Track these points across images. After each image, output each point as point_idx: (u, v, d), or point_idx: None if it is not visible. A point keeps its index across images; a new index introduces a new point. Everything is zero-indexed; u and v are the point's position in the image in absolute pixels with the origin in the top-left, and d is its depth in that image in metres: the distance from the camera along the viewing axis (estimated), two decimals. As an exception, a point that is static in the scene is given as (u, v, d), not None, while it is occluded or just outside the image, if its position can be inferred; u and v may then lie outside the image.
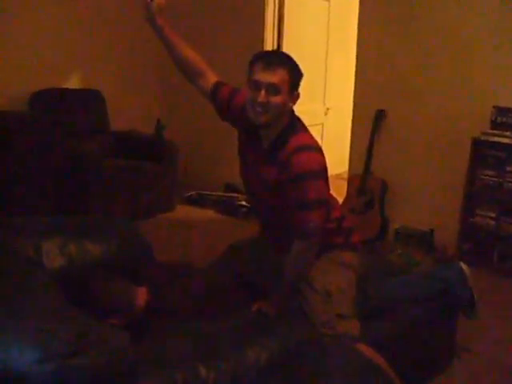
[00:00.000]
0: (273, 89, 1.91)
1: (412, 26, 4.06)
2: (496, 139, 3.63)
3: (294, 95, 1.99)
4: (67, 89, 4.80)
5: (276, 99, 1.92)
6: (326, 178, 2.01)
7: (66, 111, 4.55)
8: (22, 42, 4.47)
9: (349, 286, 2.10)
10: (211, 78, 2.19)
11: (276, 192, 2.01)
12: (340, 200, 4.08)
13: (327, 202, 2.02)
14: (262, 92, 1.91)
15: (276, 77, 1.91)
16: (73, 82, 4.92)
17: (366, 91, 4.39)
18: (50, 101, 4.56)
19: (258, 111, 1.93)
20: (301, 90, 2.04)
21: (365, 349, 1.86)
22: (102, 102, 4.88)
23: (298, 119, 2.09)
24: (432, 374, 2.40)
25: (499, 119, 3.63)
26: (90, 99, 4.84)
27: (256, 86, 1.92)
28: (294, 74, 1.97)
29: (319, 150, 2.02)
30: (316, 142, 2.05)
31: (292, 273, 2.04)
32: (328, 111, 6.11)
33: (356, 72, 4.44)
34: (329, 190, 2.04)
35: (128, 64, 5.30)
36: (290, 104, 2.00)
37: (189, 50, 2.18)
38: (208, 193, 5.16)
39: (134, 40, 5.29)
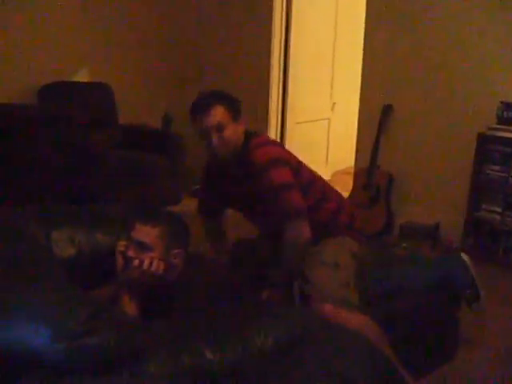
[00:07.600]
0: (219, 127, 2.04)
1: (419, 21, 4.07)
2: (502, 134, 3.64)
3: (239, 122, 2.12)
4: (75, 82, 4.83)
5: (226, 133, 2.05)
6: (287, 165, 2.11)
7: (74, 104, 4.55)
8: (29, 36, 4.49)
9: (351, 265, 2.19)
10: None
11: (261, 197, 2.11)
12: (345, 194, 4.12)
13: (294, 185, 2.08)
14: (212, 135, 2.04)
15: (216, 116, 2.04)
16: (81, 76, 4.94)
17: (372, 86, 4.40)
18: (58, 94, 4.58)
19: (220, 151, 2.08)
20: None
21: (369, 323, 1.95)
22: (111, 95, 4.89)
23: (251, 133, 2.20)
24: (436, 365, 2.42)
25: (506, 114, 3.64)
26: (98, 92, 4.86)
27: (205, 133, 2.06)
28: (232, 105, 2.10)
29: (275, 143, 2.31)
30: (272, 140, 2.32)
31: (288, 259, 2.11)
32: (334, 106, 6.12)
33: (363, 67, 4.45)
34: (292, 176, 2.10)
35: (136, 57, 5.32)
36: (240, 130, 2.13)
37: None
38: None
39: (142, 33, 5.32)
